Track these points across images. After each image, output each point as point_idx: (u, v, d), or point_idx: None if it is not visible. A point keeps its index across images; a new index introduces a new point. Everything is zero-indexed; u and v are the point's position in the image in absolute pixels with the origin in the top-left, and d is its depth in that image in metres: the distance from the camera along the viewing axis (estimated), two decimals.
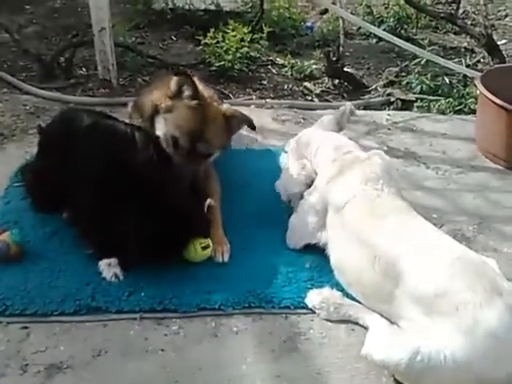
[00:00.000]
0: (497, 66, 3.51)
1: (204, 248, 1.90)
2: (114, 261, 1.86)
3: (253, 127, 2.26)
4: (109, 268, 1.85)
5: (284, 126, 3.20)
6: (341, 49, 4.09)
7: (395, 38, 3.90)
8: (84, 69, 3.97)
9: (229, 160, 2.57)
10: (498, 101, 2.69)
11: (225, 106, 2.29)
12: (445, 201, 2.46)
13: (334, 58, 4.02)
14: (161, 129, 2.13)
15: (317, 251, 1.99)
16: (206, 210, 2.12)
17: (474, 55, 5.21)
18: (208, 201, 2.16)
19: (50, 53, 3.83)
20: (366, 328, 1.68)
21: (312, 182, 2.13)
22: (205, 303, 1.76)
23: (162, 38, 4.94)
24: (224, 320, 1.73)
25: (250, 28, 4.37)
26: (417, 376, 1.40)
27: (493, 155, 2.84)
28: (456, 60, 5.06)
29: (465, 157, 2.90)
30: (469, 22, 5.54)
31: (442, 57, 4.51)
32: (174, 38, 5.06)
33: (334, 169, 1.97)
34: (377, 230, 1.67)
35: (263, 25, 4.66)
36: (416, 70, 4.10)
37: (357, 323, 1.72)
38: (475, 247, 2.11)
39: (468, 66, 4.96)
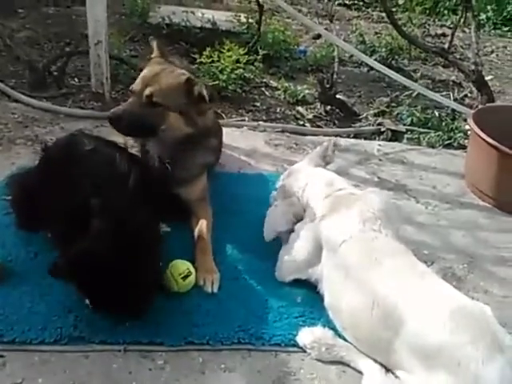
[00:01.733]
0: (489, 104, 3.56)
1: (185, 278, 1.84)
2: None
3: (212, 98, 2.14)
4: None
5: (276, 151, 3.19)
6: (334, 76, 4.11)
7: (387, 69, 3.94)
8: (76, 79, 3.91)
9: (221, 184, 2.54)
10: (490, 140, 2.72)
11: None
12: (435, 237, 2.46)
13: (328, 85, 4.04)
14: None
15: (307, 285, 1.96)
16: (196, 233, 2.09)
17: (461, 89, 5.32)
18: (200, 222, 2.13)
19: (42, 60, 3.77)
20: (357, 371, 1.64)
21: (299, 219, 2.11)
22: (193, 337, 1.70)
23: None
24: (212, 356, 1.67)
25: (245, 49, 4.38)
26: None
27: (481, 192, 2.86)
28: (444, 93, 5.15)
29: (454, 192, 2.92)
30: (458, 56, 5.65)
31: (431, 89, 4.58)
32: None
33: (326, 205, 1.94)
34: (375, 274, 1.64)
35: (259, 47, 4.69)
36: (407, 102, 4.15)
37: (348, 365, 1.67)
38: (466, 287, 2.12)
39: (456, 99, 5.05)
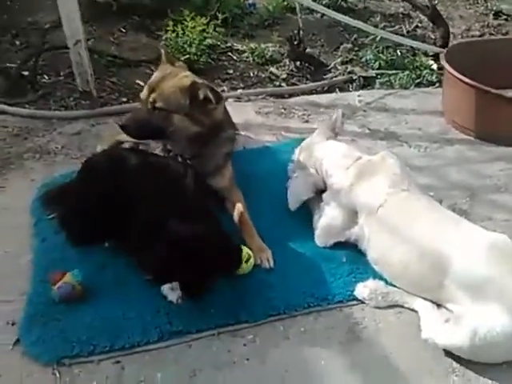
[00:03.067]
0: (457, 42, 3.81)
1: (247, 261, 2.08)
2: (175, 284, 2.00)
3: (218, 98, 2.30)
4: (173, 292, 1.99)
5: (269, 119, 3.37)
6: (301, 32, 4.23)
7: (344, 17, 4.09)
8: (46, 76, 3.88)
9: (233, 164, 2.72)
10: (466, 80, 3.01)
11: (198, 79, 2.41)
12: (434, 178, 2.77)
13: (296, 42, 4.17)
14: None
15: (347, 245, 2.24)
16: (236, 217, 2.31)
17: (411, 20, 5.55)
18: (237, 207, 2.34)
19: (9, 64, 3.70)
20: (412, 310, 1.97)
21: (319, 189, 2.35)
22: (270, 310, 1.96)
23: (110, 32, 4.83)
24: (290, 322, 1.95)
25: (208, 18, 4.41)
26: (477, 353, 1.73)
27: (462, 127, 3.19)
28: (397, 27, 5.38)
29: (438, 131, 3.24)
30: None
31: (383, 26, 4.80)
32: (124, 30, 4.97)
33: (351, 175, 2.19)
34: (417, 228, 1.94)
35: (217, 11, 4.70)
36: (372, 47, 4.35)
37: (403, 307, 2.00)
38: (473, 218, 2.44)
39: (408, 32, 5.30)
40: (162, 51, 2.49)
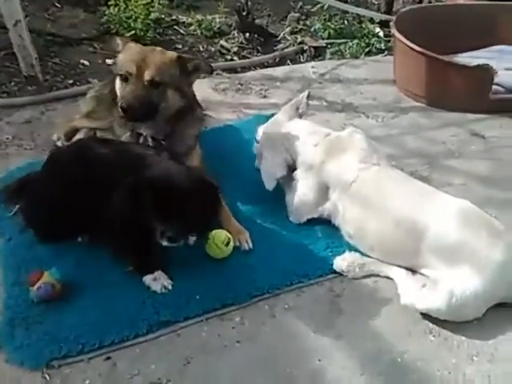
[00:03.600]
0: (405, 9, 3.87)
1: (227, 244, 2.10)
2: (158, 273, 2.00)
3: (209, 71, 2.38)
4: (156, 282, 1.98)
5: (227, 96, 3.35)
6: (249, 3, 4.17)
7: None
8: None
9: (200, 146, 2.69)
10: (417, 48, 3.10)
11: None
12: (394, 147, 2.88)
13: (244, 13, 4.12)
14: (115, 71, 2.28)
15: (319, 220, 2.30)
16: None
17: None
18: None
19: None
20: (387, 278, 2.07)
21: (290, 165, 2.39)
22: (254, 291, 2.00)
23: (45, 8, 4.57)
24: (274, 301, 2.00)
25: None
26: (453, 313, 1.85)
27: (414, 95, 3.30)
28: None
29: (392, 100, 3.34)
30: None
31: None
32: (59, 6, 4.71)
33: (321, 152, 2.23)
34: (391, 199, 2.02)
35: None
36: (321, 16, 4.36)
37: (379, 275, 2.10)
38: (434, 184, 2.55)
39: None
40: (117, 39, 2.41)
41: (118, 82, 2.25)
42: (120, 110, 2.14)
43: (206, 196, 1.89)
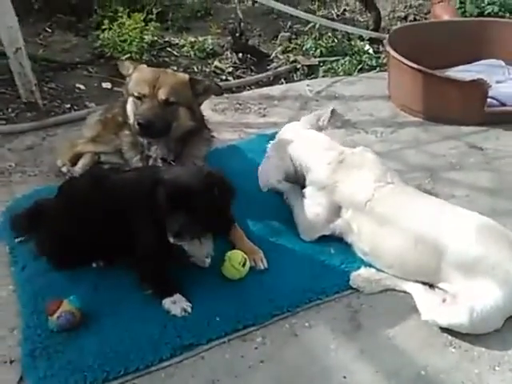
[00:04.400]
0: (398, 26, 3.98)
1: (243, 265, 2.11)
2: (177, 297, 2.00)
3: (219, 92, 2.48)
4: (175, 305, 1.98)
5: (227, 116, 3.39)
6: (242, 24, 4.24)
7: (287, 7, 4.18)
8: None
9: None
10: (412, 64, 3.18)
11: None
12: (396, 162, 2.93)
13: (238, 34, 4.18)
14: (127, 92, 2.35)
15: (331, 237, 2.32)
16: None
17: (338, 4, 5.71)
18: None
19: None
20: (403, 292, 2.10)
21: (289, 176, 2.43)
22: (274, 310, 2.01)
23: (36, 33, 4.59)
24: (294, 319, 2.01)
25: (144, 13, 4.30)
26: (475, 327, 1.87)
27: (411, 110, 3.38)
28: (326, 12, 5.52)
29: (389, 115, 3.41)
30: None
31: (313, 11, 4.91)
32: (50, 30, 4.73)
33: (335, 171, 2.24)
34: (409, 216, 2.05)
35: (154, 5, 4.59)
36: (312, 35, 4.45)
37: (394, 289, 2.12)
38: (438, 197, 2.61)
39: (338, 16, 5.46)
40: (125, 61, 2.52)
41: (130, 102, 2.29)
42: (137, 126, 2.20)
43: (215, 194, 1.91)
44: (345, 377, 1.81)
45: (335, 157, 2.28)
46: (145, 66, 2.42)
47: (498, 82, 3.37)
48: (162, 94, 2.23)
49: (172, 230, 1.85)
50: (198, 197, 1.85)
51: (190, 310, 1.99)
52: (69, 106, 3.64)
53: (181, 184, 1.87)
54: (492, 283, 1.84)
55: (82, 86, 3.89)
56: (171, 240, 1.88)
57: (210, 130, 2.59)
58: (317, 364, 1.86)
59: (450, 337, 1.95)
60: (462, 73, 3.49)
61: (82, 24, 4.79)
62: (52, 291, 2.02)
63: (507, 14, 4.84)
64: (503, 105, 3.28)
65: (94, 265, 2.15)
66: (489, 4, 4.88)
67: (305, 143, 2.41)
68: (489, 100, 3.16)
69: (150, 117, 2.21)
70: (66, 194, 2.12)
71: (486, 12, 4.84)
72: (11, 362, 1.83)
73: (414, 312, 2.02)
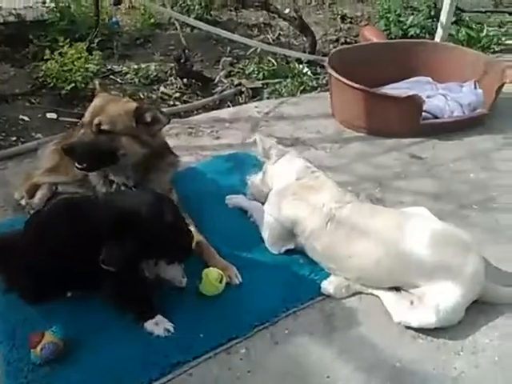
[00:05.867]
0: (337, 49, 4.25)
1: (220, 281, 2.19)
2: (158, 318, 2.03)
3: (166, 121, 2.39)
4: (158, 326, 2.02)
5: (180, 140, 3.46)
6: (186, 51, 4.35)
7: (222, 31, 4.35)
8: None
9: None
10: (354, 84, 3.42)
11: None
12: (347, 175, 3.13)
13: (183, 60, 4.29)
14: None
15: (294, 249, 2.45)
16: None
17: (273, 29, 5.99)
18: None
19: None
20: (370, 294, 2.26)
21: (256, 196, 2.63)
22: (254, 321, 2.09)
23: None
24: (274, 329, 2.11)
25: (87, 43, 4.32)
26: (443, 322, 2.06)
27: (354, 126, 3.61)
28: (262, 36, 5.77)
29: (335, 132, 3.63)
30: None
31: (249, 35, 5.12)
32: None
33: (292, 194, 2.39)
34: (371, 232, 2.20)
35: (95, 35, 4.61)
36: (254, 60, 4.63)
37: (362, 293, 2.28)
38: (388, 204, 2.83)
39: (274, 40, 5.71)
40: (97, 83, 2.57)
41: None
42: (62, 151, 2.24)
43: (161, 222, 1.86)
44: (328, 376, 1.93)
45: (295, 179, 2.45)
46: (104, 94, 2.45)
47: (428, 97, 3.69)
48: (95, 121, 2.25)
49: (100, 258, 1.83)
50: (135, 225, 1.81)
51: (172, 329, 2.03)
52: (14, 138, 3.57)
53: (117, 211, 1.85)
54: (451, 283, 2.05)
55: (25, 118, 3.82)
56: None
57: (175, 154, 2.65)
58: (301, 368, 1.96)
59: (416, 330, 2.12)
60: (395, 90, 3.79)
61: (18, 54, 4.71)
62: (30, 325, 2.00)
63: (427, 36, 5.30)
64: (436, 117, 3.60)
65: (69, 294, 2.13)
66: (410, 26, 5.32)
67: (276, 171, 2.57)
68: (423, 114, 3.46)
69: (73, 143, 2.25)
70: (34, 227, 2.10)
71: (409, 34, 5.27)
72: None
73: (381, 310, 2.18)
